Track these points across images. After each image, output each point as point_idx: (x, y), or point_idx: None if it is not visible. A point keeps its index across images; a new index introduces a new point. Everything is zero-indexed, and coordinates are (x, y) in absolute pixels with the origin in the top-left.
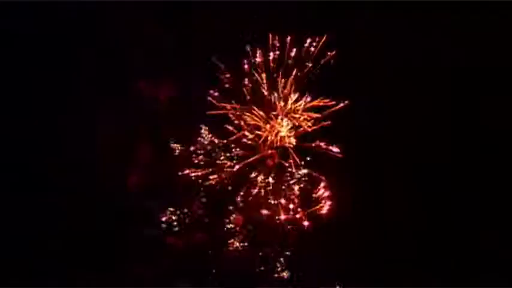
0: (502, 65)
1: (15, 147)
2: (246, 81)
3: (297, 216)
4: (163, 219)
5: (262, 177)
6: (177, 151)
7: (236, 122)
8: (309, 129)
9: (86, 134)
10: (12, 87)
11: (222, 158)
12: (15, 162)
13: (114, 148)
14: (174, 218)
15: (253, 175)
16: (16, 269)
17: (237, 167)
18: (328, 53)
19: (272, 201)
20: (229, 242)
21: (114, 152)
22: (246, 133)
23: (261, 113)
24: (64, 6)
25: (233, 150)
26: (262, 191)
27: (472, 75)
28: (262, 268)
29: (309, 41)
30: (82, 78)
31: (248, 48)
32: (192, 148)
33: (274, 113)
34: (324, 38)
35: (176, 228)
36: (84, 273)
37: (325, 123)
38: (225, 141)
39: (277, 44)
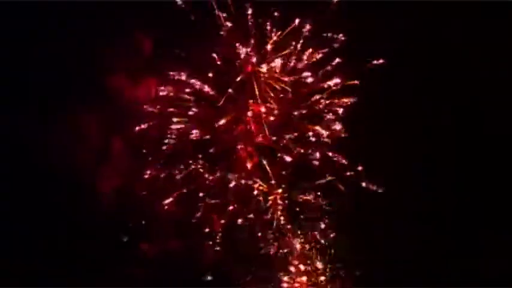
0: (503, 65)
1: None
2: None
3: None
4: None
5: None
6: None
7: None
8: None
9: (69, 135)
10: None
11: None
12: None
13: (95, 149)
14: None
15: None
16: (16, 269)
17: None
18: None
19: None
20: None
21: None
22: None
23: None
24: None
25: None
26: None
27: (472, 75)
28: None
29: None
30: (61, 77)
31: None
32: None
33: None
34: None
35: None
36: (84, 273)
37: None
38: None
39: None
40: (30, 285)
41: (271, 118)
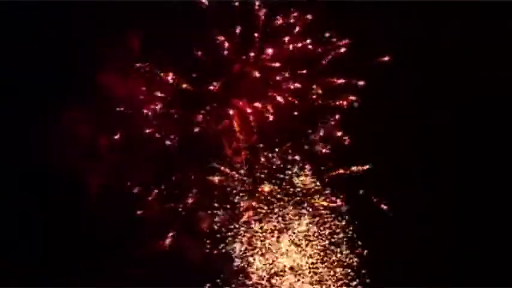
0: (503, 65)
1: None
2: None
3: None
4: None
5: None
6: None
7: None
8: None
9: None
10: None
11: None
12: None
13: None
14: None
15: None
16: (16, 269)
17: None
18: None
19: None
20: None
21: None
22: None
23: None
24: None
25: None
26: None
27: (472, 75)
28: None
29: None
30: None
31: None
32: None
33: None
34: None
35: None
36: (84, 273)
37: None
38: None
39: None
40: (30, 285)
41: (259, 117)
